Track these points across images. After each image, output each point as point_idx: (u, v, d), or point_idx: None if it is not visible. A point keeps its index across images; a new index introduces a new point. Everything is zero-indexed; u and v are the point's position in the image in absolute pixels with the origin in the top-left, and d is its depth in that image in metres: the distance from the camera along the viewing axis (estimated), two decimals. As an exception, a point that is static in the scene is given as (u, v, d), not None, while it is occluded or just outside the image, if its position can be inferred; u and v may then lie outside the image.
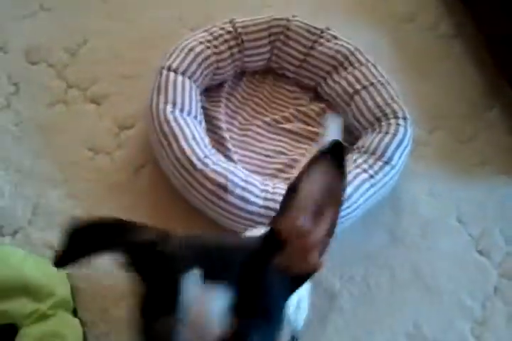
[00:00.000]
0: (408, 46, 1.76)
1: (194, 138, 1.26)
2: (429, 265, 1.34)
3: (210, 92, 1.48)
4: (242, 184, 1.24)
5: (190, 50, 1.39)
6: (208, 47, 1.42)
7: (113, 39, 1.55)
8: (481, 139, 1.60)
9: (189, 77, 1.37)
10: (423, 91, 1.68)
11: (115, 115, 1.43)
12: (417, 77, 1.70)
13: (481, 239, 1.41)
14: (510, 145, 1.60)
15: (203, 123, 1.37)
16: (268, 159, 1.42)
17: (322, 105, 1.53)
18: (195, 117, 1.33)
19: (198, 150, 1.25)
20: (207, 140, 1.31)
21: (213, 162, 1.25)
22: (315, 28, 1.55)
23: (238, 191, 1.22)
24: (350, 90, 1.48)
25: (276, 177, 1.38)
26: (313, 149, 1.42)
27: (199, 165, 1.24)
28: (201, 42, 1.41)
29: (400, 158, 1.36)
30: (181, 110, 1.30)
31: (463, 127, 1.62)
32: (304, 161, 1.33)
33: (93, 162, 1.36)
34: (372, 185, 1.30)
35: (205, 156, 1.26)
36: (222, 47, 1.45)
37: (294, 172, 1.38)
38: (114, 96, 1.46)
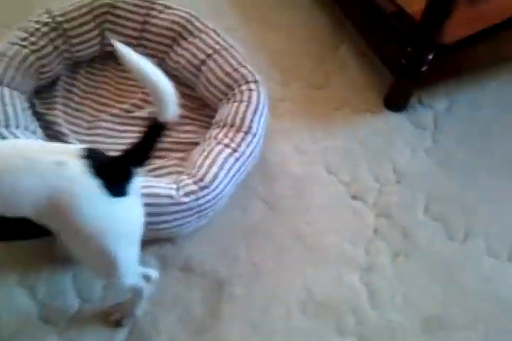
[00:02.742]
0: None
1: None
2: (309, 224, 1.31)
3: (44, 93, 1.31)
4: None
5: (2, 55, 1.20)
6: (24, 46, 1.23)
7: None
8: (335, 81, 1.55)
9: (8, 85, 1.19)
10: (270, 43, 1.59)
11: None
12: (261, 28, 1.61)
13: (352, 183, 1.40)
14: (364, 82, 1.56)
15: (39, 131, 1.21)
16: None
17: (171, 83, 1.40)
18: (26, 128, 1.17)
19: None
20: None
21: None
22: (143, 0, 1.39)
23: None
24: (195, 61, 1.37)
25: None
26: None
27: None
28: (14, 44, 1.22)
29: (259, 124, 1.29)
30: (6, 126, 1.14)
31: (315, 72, 1.55)
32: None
33: None
34: (237, 159, 1.23)
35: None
36: (42, 42, 1.28)
37: (156, 162, 1.27)
38: None
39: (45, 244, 1.14)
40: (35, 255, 1.18)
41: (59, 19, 1.29)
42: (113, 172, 0.86)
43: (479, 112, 1.53)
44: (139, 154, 0.90)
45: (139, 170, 1.24)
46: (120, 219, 0.87)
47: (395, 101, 1.51)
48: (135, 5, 1.38)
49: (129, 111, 1.35)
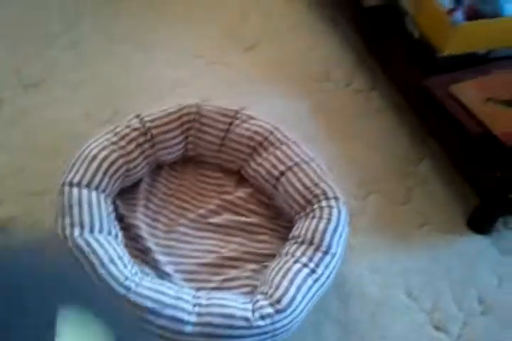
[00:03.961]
0: (328, 107, 1.65)
1: (112, 260, 1.08)
2: (386, 356, 1.19)
3: (127, 194, 1.30)
4: (172, 302, 1.05)
5: (93, 158, 1.22)
6: (114, 151, 1.25)
7: (12, 151, 1.35)
8: (416, 198, 1.49)
9: (96, 188, 1.19)
10: (350, 153, 1.56)
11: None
12: (342, 138, 1.59)
13: (434, 312, 1.28)
14: (446, 200, 1.49)
15: (120, 235, 1.18)
16: (199, 260, 1.24)
17: (249, 190, 1.38)
18: (109, 232, 1.15)
19: (117, 274, 1.06)
20: (127, 258, 1.12)
21: (136, 284, 1.06)
22: (228, 109, 1.41)
23: (168, 311, 1.03)
24: (275, 172, 1.34)
25: (209, 281, 1.20)
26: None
27: (121, 290, 1.05)
28: (104, 147, 1.24)
29: (338, 244, 1.21)
30: (91, 230, 1.12)
31: (396, 186, 1.50)
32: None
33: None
34: (315, 281, 1.15)
35: (126, 279, 1.07)
36: (131, 147, 1.28)
37: (230, 273, 1.22)
38: (20, 217, 1.25)
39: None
40: None
41: (148, 125, 1.31)
42: None
43: None
44: None
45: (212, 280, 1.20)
46: None
47: (480, 224, 1.42)
48: (220, 114, 1.39)
49: (204, 217, 1.32)
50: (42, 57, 1.69)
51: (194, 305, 1.06)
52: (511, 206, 1.37)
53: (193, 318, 1.03)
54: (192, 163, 1.41)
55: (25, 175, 1.32)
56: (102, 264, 1.06)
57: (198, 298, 1.08)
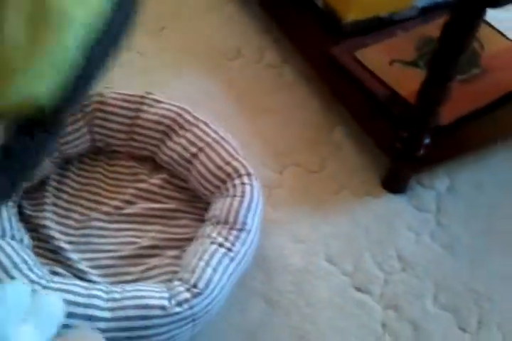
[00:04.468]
0: (240, 84, 1.64)
1: (15, 266, 1.06)
2: (313, 323, 1.23)
3: (34, 193, 1.28)
4: (84, 300, 1.05)
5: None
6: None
7: None
8: (330, 166, 1.51)
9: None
10: (264, 128, 1.57)
11: None
12: (254, 114, 1.59)
13: (355, 274, 1.32)
14: (361, 165, 1.52)
15: (27, 238, 1.17)
16: (117, 254, 1.23)
17: (164, 175, 1.37)
18: (13, 237, 1.13)
19: (21, 278, 1.05)
20: (32, 261, 1.10)
21: (43, 286, 1.05)
22: (133, 95, 1.39)
23: (80, 310, 1.03)
24: (187, 155, 1.33)
25: (129, 273, 1.20)
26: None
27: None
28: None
29: (253, 220, 1.23)
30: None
31: (311, 157, 1.52)
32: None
33: None
34: (231, 259, 1.16)
35: (32, 282, 1.05)
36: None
37: (150, 262, 1.22)
38: None
39: None
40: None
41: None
42: None
43: (482, 190, 1.48)
44: None
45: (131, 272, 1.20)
46: None
47: (394, 184, 1.46)
48: (125, 100, 1.37)
49: (120, 208, 1.31)
50: None
51: (107, 301, 1.05)
52: (421, 164, 1.41)
53: (107, 314, 1.03)
54: (102, 154, 1.39)
55: None
56: (6, 271, 1.04)
57: (112, 292, 1.08)
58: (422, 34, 1.63)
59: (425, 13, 1.67)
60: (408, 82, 1.49)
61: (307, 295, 1.27)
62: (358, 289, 1.30)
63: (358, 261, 1.35)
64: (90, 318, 1.02)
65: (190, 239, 1.25)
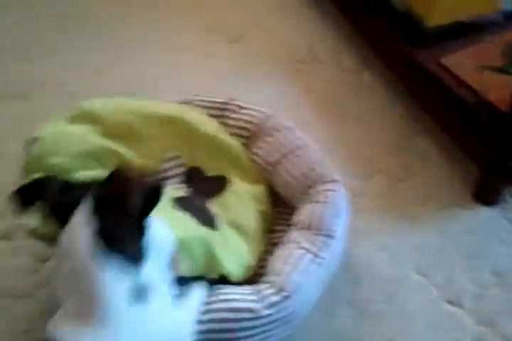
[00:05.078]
0: (318, 89, 1.63)
1: None
2: (403, 334, 1.18)
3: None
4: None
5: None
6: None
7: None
8: (416, 174, 1.47)
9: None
10: (346, 135, 1.54)
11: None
12: (336, 120, 1.57)
13: (446, 287, 1.26)
14: (448, 174, 1.47)
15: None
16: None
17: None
18: None
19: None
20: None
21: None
22: (217, 102, 1.40)
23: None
24: (271, 160, 1.32)
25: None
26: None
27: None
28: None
29: (340, 226, 1.20)
30: None
31: (395, 164, 1.48)
32: None
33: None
34: (319, 265, 1.13)
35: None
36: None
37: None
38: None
39: None
40: None
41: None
42: None
43: None
44: None
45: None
46: None
47: (485, 196, 1.39)
48: (209, 107, 1.38)
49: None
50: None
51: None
52: (514, 174, 1.35)
53: (201, 316, 1.02)
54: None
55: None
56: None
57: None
58: (509, 40, 1.58)
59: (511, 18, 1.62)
60: (498, 88, 1.43)
61: (398, 306, 1.22)
62: (450, 302, 1.24)
63: (449, 273, 1.28)
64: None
65: (275, 244, 1.23)
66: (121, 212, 0.78)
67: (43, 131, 1.19)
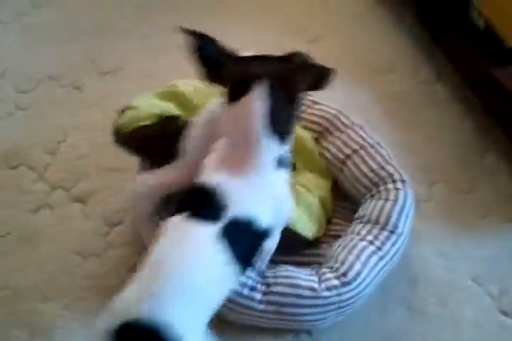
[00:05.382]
0: (391, 96, 1.66)
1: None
2: (454, 337, 1.19)
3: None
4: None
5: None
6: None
7: (93, 131, 1.44)
8: (480, 188, 1.48)
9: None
10: (414, 141, 1.57)
11: (102, 212, 1.31)
12: (406, 128, 1.60)
13: (501, 297, 1.27)
14: (510, 191, 1.47)
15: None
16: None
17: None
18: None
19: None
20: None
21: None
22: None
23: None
24: (341, 156, 1.36)
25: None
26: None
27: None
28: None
29: (405, 224, 1.23)
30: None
31: (461, 176, 1.49)
32: None
33: (83, 268, 1.23)
34: (380, 258, 1.17)
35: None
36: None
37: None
38: (100, 191, 1.34)
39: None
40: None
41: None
42: None
43: None
44: None
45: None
46: None
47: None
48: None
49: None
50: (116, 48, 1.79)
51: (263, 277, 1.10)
52: None
53: (263, 287, 1.07)
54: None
55: (104, 153, 1.42)
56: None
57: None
58: None
59: None
60: None
61: (451, 310, 1.23)
62: (504, 313, 1.24)
63: (504, 285, 1.29)
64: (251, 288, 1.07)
65: (337, 236, 1.27)
66: (287, 98, 0.98)
67: (135, 102, 1.28)
